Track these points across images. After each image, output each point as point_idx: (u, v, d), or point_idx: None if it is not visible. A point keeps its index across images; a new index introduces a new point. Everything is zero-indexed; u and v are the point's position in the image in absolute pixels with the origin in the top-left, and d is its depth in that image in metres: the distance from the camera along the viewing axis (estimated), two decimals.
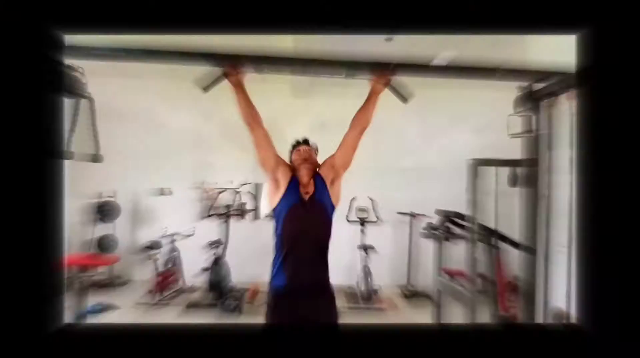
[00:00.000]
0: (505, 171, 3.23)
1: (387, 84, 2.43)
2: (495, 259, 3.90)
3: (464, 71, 2.46)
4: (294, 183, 2.50)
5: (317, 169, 2.56)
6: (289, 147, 2.70)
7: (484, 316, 3.55)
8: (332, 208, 2.52)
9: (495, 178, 3.43)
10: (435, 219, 4.30)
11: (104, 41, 2.09)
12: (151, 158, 7.02)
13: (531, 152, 2.43)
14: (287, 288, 2.40)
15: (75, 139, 2.09)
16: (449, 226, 3.94)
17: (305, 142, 2.66)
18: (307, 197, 2.48)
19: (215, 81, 2.37)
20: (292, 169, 2.55)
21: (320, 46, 2.59)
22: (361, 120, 2.49)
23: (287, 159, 2.62)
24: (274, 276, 2.45)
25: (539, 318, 2.41)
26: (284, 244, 2.44)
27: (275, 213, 2.50)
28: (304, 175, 2.50)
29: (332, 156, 2.55)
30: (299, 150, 2.60)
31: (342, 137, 2.53)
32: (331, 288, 2.50)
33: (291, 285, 2.39)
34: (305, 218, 2.44)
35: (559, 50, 2.40)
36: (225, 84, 2.43)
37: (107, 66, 5.73)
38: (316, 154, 2.64)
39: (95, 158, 2.15)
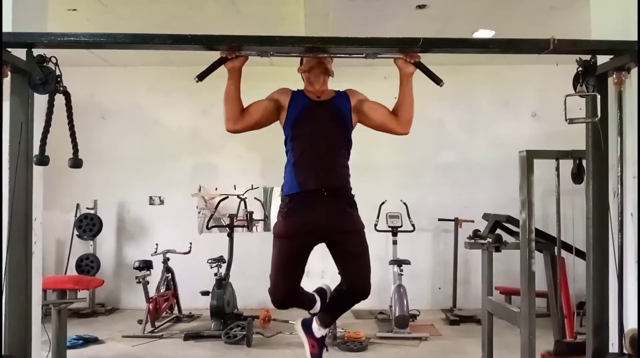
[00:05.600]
0: (567, 164, 3.24)
1: (417, 63, 2.47)
2: (561, 273, 3.88)
3: (511, 44, 2.49)
4: (299, 93, 2.67)
5: (331, 76, 2.70)
6: None
7: (546, 344, 3.54)
8: (351, 122, 2.67)
9: (556, 173, 3.43)
10: (482, 226, 4.30)
11: (80, 26, 2.18)
12: (139, 161, 7.16)
13: (598, 140, 2.43)
14: (300, 195, 2.53)
15: (50, 142, 2.18)
16: (499, 233, 3.94)
17: None
18: (318, 99, 2.64)
19: (211, 68, 2.43)
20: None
21: (334, 21, 2.63)
22: (403, 113, 2.61)
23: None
24: (284, 186, 2.61)
25: (613, 346, 2.42)
26: (294, 148, 2.59)
27: (286, 129, 2.66)
28: (316, 75, 2.64)
29: (366, 101, 2.71)
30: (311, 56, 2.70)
31: (381, 111, 2.69)
32: (353, 198, 2.64)
33: (305, 190, 2.52)
34: (317, 117, 2.60)
35: (630, 14, 2.40)
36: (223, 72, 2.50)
37: (85, 54, 5.93)
38: (330, 63, 2.74)
39: (74, 163, 2.24)
